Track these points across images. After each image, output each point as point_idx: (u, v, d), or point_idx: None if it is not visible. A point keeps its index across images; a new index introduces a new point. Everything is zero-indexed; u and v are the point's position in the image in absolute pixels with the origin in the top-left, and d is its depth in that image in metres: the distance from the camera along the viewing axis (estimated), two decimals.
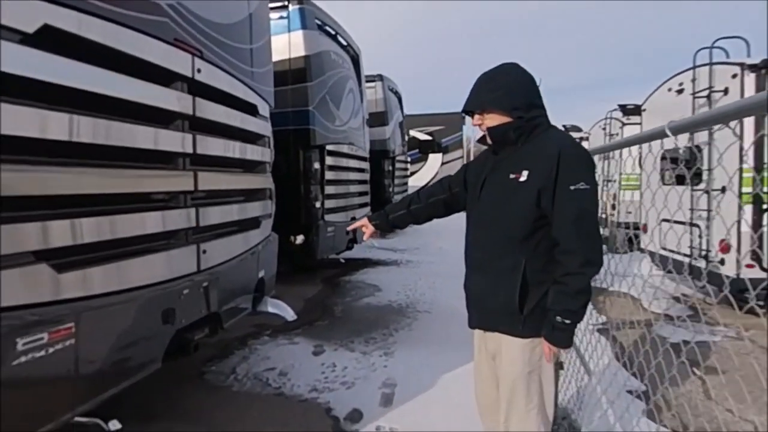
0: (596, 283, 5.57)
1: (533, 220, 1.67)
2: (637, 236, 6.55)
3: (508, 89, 1.72)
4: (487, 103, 1.75)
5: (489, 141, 1.82)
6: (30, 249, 1.63)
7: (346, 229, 2.42)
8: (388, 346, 4.07)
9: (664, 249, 5.72)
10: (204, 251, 2.61)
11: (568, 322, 1.62)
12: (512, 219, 1.70)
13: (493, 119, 1.75)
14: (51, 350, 1.66)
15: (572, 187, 1.60)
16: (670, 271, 5.49)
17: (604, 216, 9.23)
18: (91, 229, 1.89)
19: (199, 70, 2.52)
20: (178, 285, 2.40)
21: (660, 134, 1.39)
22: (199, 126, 2.59)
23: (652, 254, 6.15)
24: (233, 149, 2.97)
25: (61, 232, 1.75)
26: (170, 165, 2.41)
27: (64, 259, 1.76)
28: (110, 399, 1.99)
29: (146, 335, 2.19)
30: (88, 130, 1.86)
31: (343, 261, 7.69)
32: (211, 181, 2.71)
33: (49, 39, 1.68)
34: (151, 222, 2.23)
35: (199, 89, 2.55)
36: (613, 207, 9.11)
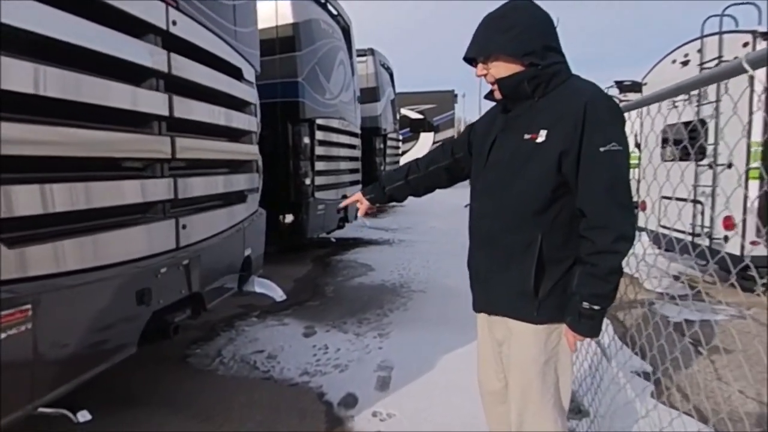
0: None
1: (552, 189, 1.42)
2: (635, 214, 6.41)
3: (519, 30, 1.42)
4: (495, 48, 1.45)
5: (498, 95, 1.53)
6: None
7: (337, 207, 2.11)
8: (383, 326, 3.89)
9: (664, 227, 5.59)
10: (184, 226, 2.38)
11: (597, 308, 1.39)
12: (528, 187, 1.44)
13: (501, 68, 1.46)
14: (2, 336, 1.43)
15: (602, 149, 1.34)
16: (669, 250, 5.37)
17: None
18: (51, 198, 1.65)
19: (174, 22, 2.25)
20: (155, 263, 2.18)
21: (738, 69, 1.16)
22: (177, 87, 2.33)
23: (650, 232, 6.03)
24: (216, 115, 2.71)
25: (13, 201, 1.51)
26: (144, 128, 2.16)
27: (18, 232, 1.53)
28: (84, 383, 1.78)
29: (118, 318, 1.97)
30: (43, 81, 1.61)
31: (333, 240, 7.49)
32: (190, 148, 2.46)
33: None
34: (121, 192, 1.99)
35: (175, 45, 2.28)
36: None
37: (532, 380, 1.54)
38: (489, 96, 1.60)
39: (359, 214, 1.98)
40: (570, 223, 1.46)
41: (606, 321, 3.62)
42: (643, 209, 6.42)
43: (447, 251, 7.10)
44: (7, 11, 1.47)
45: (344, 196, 6.93)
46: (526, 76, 1.43)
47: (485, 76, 1.52)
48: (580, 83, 1.48)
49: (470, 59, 1.55)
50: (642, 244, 5.52)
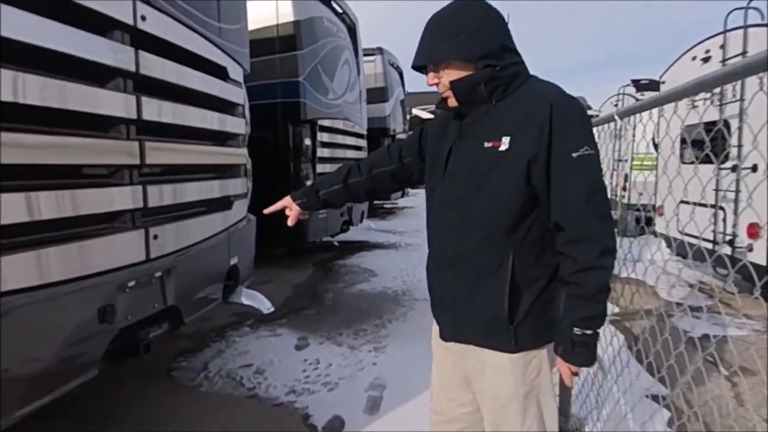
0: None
1: (522, 203, 1.26)
2: (650, 219, 6.14)
3: (471, 31, 1.26)
4: (446, 53, 1.29)
5: (453, 103, 1.35)
6: None
7: (263, 211, 1.85)
8: (380, 339, 3.70)
9: (682, 233, 5.30)
10: (155, 236, 2.22)
11: (590, 332, 1.23)
12: (495, 202, 1.27)
13: (454, 75, 1.30)
14: None
15: (575, 155, 1.20)
16: (686, 257, 5.09)
17: (614, 197, 8.80)
18: (2, 209, 1.49)
19: (143, 18, 2.08)
20: (120, 276, 2.02)
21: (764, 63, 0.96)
22: (149, 87, 2.17)
23: (667, 239, 5.75)
24: (195, 117, 2.55)
25: None
26: (109, 133, 2.01)
27: None
28: (43, 407, 1.64)
29: (76, 338, 1.81)
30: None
31: (337, 244, 7.32)
32: (163, 154, 2.29)
33: None
34: (82, 201, 1.83)
35: (145, 42, 2.12)
36: (624, 188, 8.66)
37: (511, 416, 1.36)
38: (441, 104, 1.40)
39: (289, 223, 1.72)
40: (542, 239, 1.30)
41: (612, 331, 3.40)
42: (661, 215, 6.13)
43: None
44: None
45: None
46: (482, 78, 1.27)
47: (437, 84, 1.35)
48: (541, 84, 1.33)
49: (420, 67, 1.39)
50: (662, 252, 5.25)
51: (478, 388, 1.43)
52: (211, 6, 2.71)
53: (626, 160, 8.70)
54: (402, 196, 11.77)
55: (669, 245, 5.85)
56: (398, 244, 7.89)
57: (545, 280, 1.31)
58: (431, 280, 1.49)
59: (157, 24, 2.18)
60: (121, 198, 2.04)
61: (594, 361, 1.29)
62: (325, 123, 5.92)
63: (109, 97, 1.96)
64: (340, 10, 6.79)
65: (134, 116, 2.07)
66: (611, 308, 4.44)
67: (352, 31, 7.23)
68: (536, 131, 1.21)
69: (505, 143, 1.25)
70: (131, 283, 2.08)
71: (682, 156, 5.38)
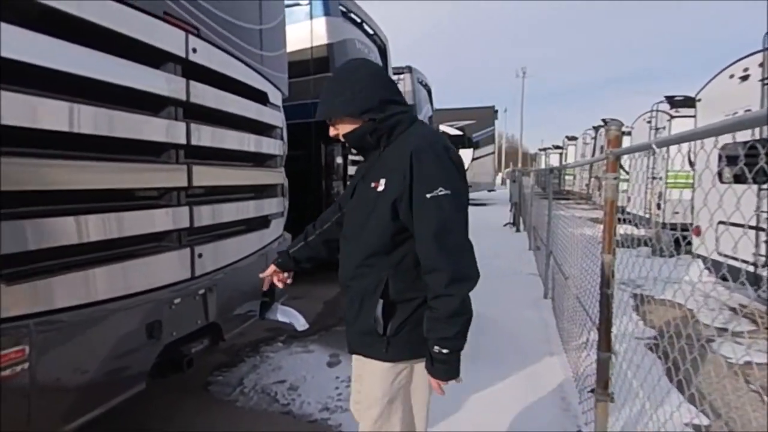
0: (640, 290, 5.01)
1: (392, 235, 1.47)
2: (685, 238, 5.97)
3: (354, 91, 1.48)
4: (334, 111, 1.52)
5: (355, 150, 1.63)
6: None
7: (262, 290, 2.03)
8: None
9: (721, 254, 5.14)
10: (200, 255, 2.32)
11: (446, 351, 1.41)
12: (372, 233, 1.49)
13: (346, 127, 1.53)
14: None
15: (429, 195, 1.38)
16: (726, 279, 4.92)
17: (648, 215, 8.59)
18: (55, 232, 1.61)
19: (194, 50, 2.22)
20: (168, 294, 2.12)
21: None
22: (196, 114, 2.29)
23: (705, 260, 5.58)
24: (237, 141, 2.67)
25: (18, 235, 1.48)
26: (160, 158, 2.13)
27: (18, 267, 1.49)
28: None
29: (125, 353, 1.91)
30: (53, 116, 1.58)
31: None
32: (208, 176, 2.41)
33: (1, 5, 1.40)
34: (132, 223, 1.95)
35: (195, 72, 2.25)
36: (659, 206, 8.46)
37: (376, 418, 1.56)
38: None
39: (279, 286, 1.92)
40: (417, 266, 1.48)
41: (653, 357, 3.32)
42: (697, 234, 5.96)
43: (483, 273, 6.77)
44: (25, 49, 1.45)
45: None
46: (366, 130, 1.50)
47: (337, 135, 1.57)
48: (416, 130, 1.52)
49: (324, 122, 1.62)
50: (700, 273, 5.08)
51: (357, 377, 1.69)
52: (254, 35, 2.85)
53: (660, 178, 8.52)
54: None
55: (708, 267, 5.67)
56: None
57: (421, 300, 1.48)
58: (345, 291, 1.68)
59: (206, 55, 2.31)
60: (170, 218, 2.15)
61: (456, 376, 1.47)
62: None
63: (161, 124, 2.08)
64: (371, 32, 6.96)
65: (183, 141, 2.19)
66: (648, 332, 4.35)
67: (383, 51, 7.39)
68: (401, 175, 1.41)
69: (382, 184, 1.47)
70: (177, 300, 2.18)
71: (720, 175, 5.25)
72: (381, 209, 1.45)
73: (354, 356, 1.69)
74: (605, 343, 2.26)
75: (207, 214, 2.41)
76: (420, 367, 1.54)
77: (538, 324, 4.60)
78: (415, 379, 1.56)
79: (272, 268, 1.88)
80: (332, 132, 1.58)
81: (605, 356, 2.27)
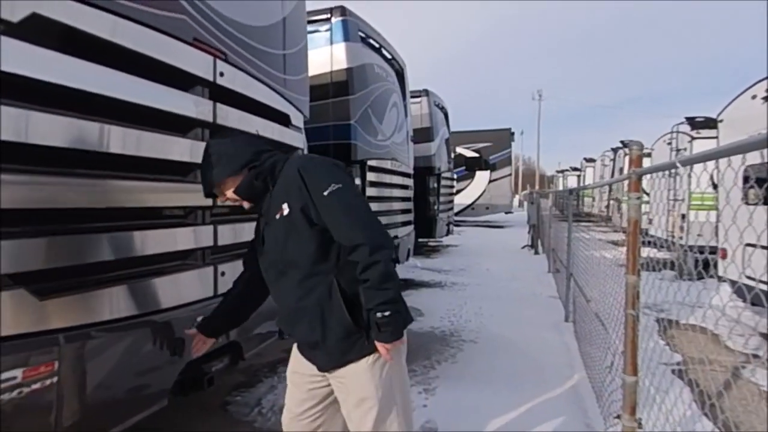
0: (665, 315, 4.88)
1: (318, 242, 1.61)
2: (711, 261, 5.82)
3: (228, 154, 1.68)
4: (217, 176, 1.69)
5: (247, 205, 1.76)
6: (7, 271, 1.40)
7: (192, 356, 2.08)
8: (429, 380, 3.66)
9: (749, 278, 5.00)
10: (222, 273, 2.36)
11: (388, 313, 1.53)
12: (297, 252, 1.63)
13: (232, 185, 1.70)
14: (25, 392, 1.41)
15: (326, 193, 1.56)
16: (756, 304, 4.76)
17: (671, 238, 8.42)
18: (86, 249, 1.66)
19: (221, 74, 2.30)
20: (191, 311, 2.15)
21: None
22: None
23: (732, 283, 5.43)
24: None
25: (49, 251, 1.53)
26: (187, 177, 2.19)
27: (49, 283, 1.53)
28: None
29: (149, 369, 1.93)
30: (85, 136, 1.65)
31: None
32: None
33: (39, 31, 1.48)
34: (159, 241, 1.99)
35: (222, 95, 2.33)
36: (682, 229, 8.29)
37: (376, 418, 1.63)
38: (246, 211, 1.83)
39: (196, 352, 1.98)
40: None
41: (681, 384, 3.21)
42: (723, 257, 5.81)
43: (502, 297, 6.76)
44: (68, 74, 1.53)
45: (396, 237, 6.89)
46: (251, 177, 1.67)
47: (227, 199, 1.74)
48: (293, 159, 1.71)
49: (210, 194, 1.78)
50: (728, 297, 4.94)
51: (341, 400, 1.71)
52: (278, 60, 2.94)
53: (682, 200, 8.37)
54: (447, 234, 11.74)
55: (735, 291, 5.51)
56: (444, 283, 7.82)
57: None
58: (293, 335, 1.77)
59: (232, 79, 2.39)
60: (195, 237, 2.20)
61: (400, 336, 1.58)
62: (374, 163, 6.09)
63: (188, 145, 2.15)
64: (389, 57, 7.09)
65: None
66: (675, 357, 4.21)
67: (400, 75, 7.51)
68: (297, 190, 1.59)
69: (285, 208, 1.62)
70: (200, 318, 2.20)
71: (746, 196, 5.15)
72: (296, 226, 1.60)
73: (314, 380, 1.74)
74: (631, 367, 2.20)
75: (230, 233, 2.45)
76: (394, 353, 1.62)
77: (559, 347, 4.51)
78: (393, 365, 1.65)
79: (193, 331, 1.96)
80: (221, 199, 1.77)
81: (631, 380, 2.21)
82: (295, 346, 1.86)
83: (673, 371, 3.83)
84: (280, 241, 1.65)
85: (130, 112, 1.85)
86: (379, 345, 1.57)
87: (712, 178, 7.22)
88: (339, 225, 1.56)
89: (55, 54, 1.52)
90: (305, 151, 3.46)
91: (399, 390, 1.69)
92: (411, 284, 7.70)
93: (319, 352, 1.68)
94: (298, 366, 1.82)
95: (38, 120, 1.47)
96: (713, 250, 6.03)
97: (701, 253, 2.78)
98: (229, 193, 1.72)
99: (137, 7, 1.83)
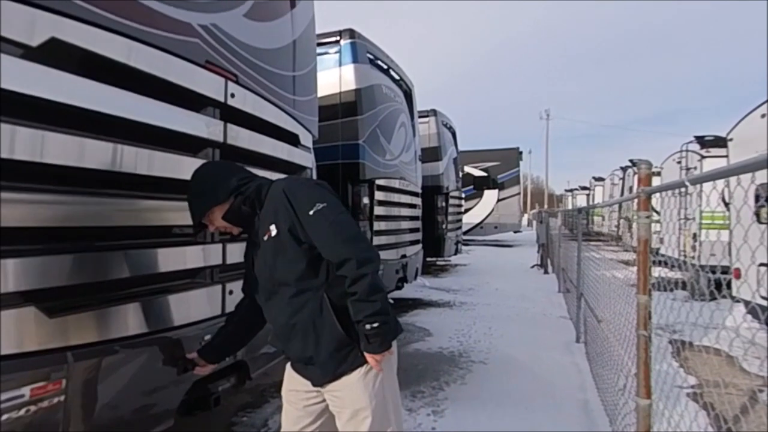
0: (678, 336, 4.80)
1: (308, 259, 1.65)
2: (723, 281, 5.72)
3: (213, 184, 1.74)
4: (204, 208, 1.74)
5: (235, 231, 1.82)
6: (17, 288, 1.42)
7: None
8: (438, 402, 3.60)
9: (764, 298, 4.91)
10: (230, 292, 2.36)
11: (376, 325, 1.57)
12: (286, 271, 1.67)
13: (221, 213, 1.74)
14: (33, 410, 1.41)
15: (312, 212, 1.61)
16: None
17: (683, 258, 8.31)
18: (96, 267, 1.68)
19: (232, 95, 2.34)
20: (199, 330, 2.15)
21: None
22: (232, 154, 2.39)
23: (746, 304, 5.33)
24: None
25: (60, 270, 1.54)
26: None
27: (58, 300, 1.54)
28: None
29: (154, 390, 1.92)
30: (99, 156, 1.68)
31: (391, 302, 7.29)
32: None
33: (58, 55, 1.53)
34: (169, 259, 2.01)
35: (232, 115, 2.37)
36: (694, 248, 8.18)
37: (371, 421, 1.65)
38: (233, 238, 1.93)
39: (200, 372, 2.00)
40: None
41: (696, 408, 3.13)
42: (737, 277, 5.72)
43: (511, 316, 6.68)
44: (84, 96, 1.57)
45: (404, 256, 6.87)
46: (240, 202, 1.73)
47: (216, 228, 1.81)
48: (278, 182, 1.75)
49: (200, 225, 1.82)
50: (735, 318, 4.87)
51: (337, 414, 1.73)
52: (288, 81, 2.99)
53: (693, 219, 8.28)
54: (455, 253, 11.68)
55: (750, 311, 5.40)
56: (453, 303, 7.76)
57: None
58: (287, 354, 1.81)
59: (242, 100, 2.43)
60: (204, 255, 2.21)
61: (389, 347, 1.63)
62: (382, 182, 6.12)
63: (199, 165, 2.17)
64: (397, 77, 7.19)
65: None
66: (689, 380, 4.12)
67: (408, 95, 7.60)
68: (284, 210, 1.64)
69: (273, 230, 1.67)
70: (207, 337, 2.19)
71: (758, 215, 5.09)
72: (285, 246, 1.65)
73: (309, 396, 1.78)
74: (645, 389, 2.15)
75: (238, 251, 2.46)
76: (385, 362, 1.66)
77: (570, 369, 4.42)
78: (383, 375, 1.69)
79: (194, 355, 1.97)
80: (211, 228, 1.82)
81: (645, 403, 2.16)
82: (288, 364, 1.88)
83: (687, 394, 3.74)
84: (270, 261, 1.70)
85: (143, 132, 1.89)
86: (368, 356, 1.62)
87: (722, 196, 7.16)
88: (326, 242, 1.61)
89: (71, 76, 1.57)
90: (314, 170, 3.49)
91: (392, 400, 1.74)
92: (419, 304, 7.65)
93: (313, 367, 1.72)
94: (293, 384, 1.84)
95: (53, 140, 1.51)
96: (725, 270, 5.95)
97: (713, 272, 2.74)
98: (218, 221, 1.77)
99: (152, 32, 1.88)
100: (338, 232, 1.61)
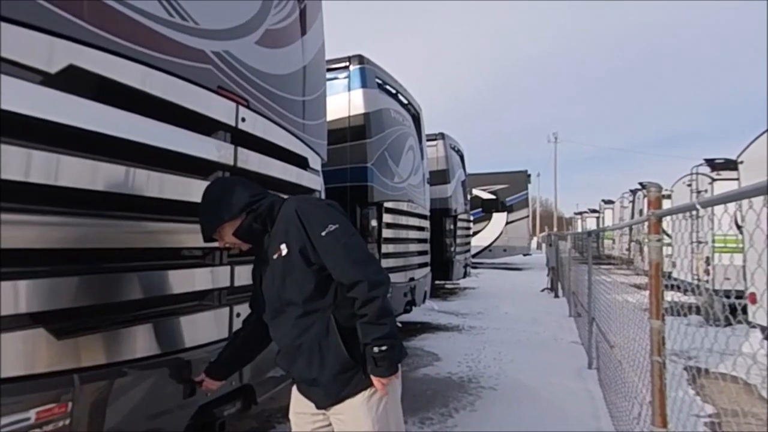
0: (693, 362, 4.69)
1: (316, 280, 1.65)
2: (739, 306, 5.61)
3: (226, 199, 1.74)
4: (216, 222, 1.75)
5: (245, 247, 1.82)
6: (27, 310, 1.43)
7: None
8: (447, 429, 3.52)
9: None
10: (238, 314, 2.35)
11: (384, 348, 1.57)
12: (294, 290, 1.67)
13: (232, 229, 1.75)
14: None
15: (324, 233, 1.62)
16: None
17: (696, 282, 8.17)
18: (105, 289, 1.68)
19: (243, 119, 2.38)
20: (206, 353, 2.13)
21: None
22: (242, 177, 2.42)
23: (763, 329, 5.22)
24: None
25: (68, 292, 1.55)
26: None
27: (66, 322, 1.55)
28: None
29: (160, 413, 1.90)
30: (111, 179, 1.71)
31: (399, 325, 7.23)
32: None
33: (76, 81, 1.57)
34: (177, 281, 2.01)
35: (243, 139, 2.41)
36: (707, 272, 8.04)
37: None
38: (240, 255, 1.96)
39: (208, 386, 1.99)
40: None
41: None
42: (753, 302, 5.60)
43: (522, 341, 6.57)
44: (100, 121, 1.61)
45: (412, 279, 6.83)
46: (251, 219, 1.74)
47: (226, 243, 1.80)
48: (290, 200, 1.76)
49: (211, 239, 1.82)
50: (751, 343, 4.74)
51: None
52: (298, 105, 3.04)
53: (706, 242, 8.17)
54: (464, 276, 11.59)
55: (767, 337, 5.27)
56: (461, 327, 7.66)
57: None
58: (292, 373, 1.80)
59: (253, 124, 2.47)
60: (213, 277, 2.21)
61: (396, 371, 1.62)
62: (390, 205, 6.13)
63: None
64: (405, 101, 7.28)
65: None
66: (707, 408, 4.00)
67: (417, 119, 7.68)
68: (296, 230, 1.65)
69: (283, 249, 1.67)
70: (213, 359, 2.18)
71: None
72: (294, 266, 1.65)
73: (315, 419, 1.76)
74: (660, 418, 2.09)
75: (246, 274, 2.46)
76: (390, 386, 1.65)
77: (583, 396, 4.32)
78: (388, 399, 1.67)
79: (202, 375, 1.97)
80: (221, 243, 1.82)
81: None
82: (294, 387, 1.87)
83: (705, 423, 3.62)
84: (278, 280, 1.70)
85: (155, 155, 1.92)
86: (375, 379, 1.61)
87: (735, 219, 7.07)
88: (337, 264, 1.62)
89: (87, 102, 1.60)
90: (323, 193, 3.51)
91: (395, 425, 1.72)
92: (428, 327, 7.56)
93: (317, 389, 1.71)
94: (299, 406, 1.82)
95: (67, 163, 1.54)
96: (740, 295, 5.83)
97: (728, 297, 2.69)
98: (229, 237, 1.78)
99: (167, 59, 1.93)
100: (350, 254, 1.61)
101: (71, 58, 1.53)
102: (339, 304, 1.66)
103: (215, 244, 2.21)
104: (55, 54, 1.49)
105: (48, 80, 1.48)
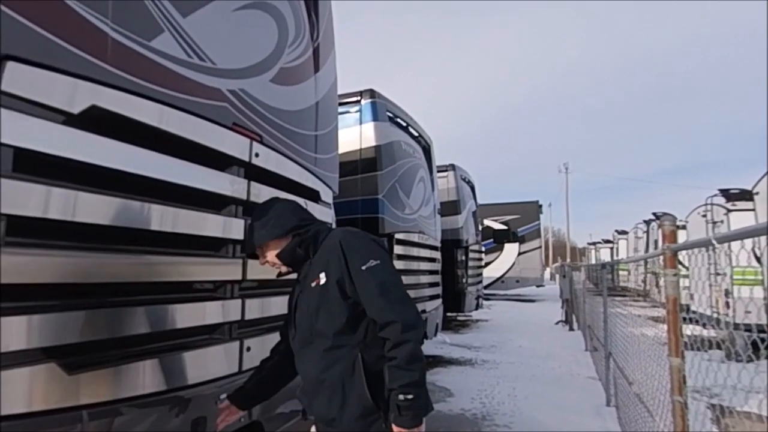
0: (717, 400, 4.52)
1: (348, 315, 1.63)
2: (763, 341, 5.41)
3: (275, 219, 1.76)
4: (261, 239, 1.78)
5: (284, 269, 1.83)
6: (40, 345, 1.43)
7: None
8: None
9: None
10: (248, 348, 2.33)
11: (411, 397, 1.50)
12: (327, 323, 1.65)
13: (276, 249, 1.77)
14: None
15: (363, 267, 1.61)
16: None
17: (716, 315, 7.95)
18: (116, 323, 1.69)
19: (256, 155, 2.43)
20: (215, 388, 2.11)
21: None
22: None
23: None
24: None
25: (82, 326, 1.56)
26: (219, 252, 2.25)
27: (77, 356, 1.55)
28: None
29: None
30: (126, 214, 1.74)
31: None
32: (262, 269, 2.49)
33: (98, 121, 1.62)
34: (188, 315, 2.01)
35: (256, 174, 2.45)
36: (727, 305, 7.84)
37: None
38: (279, 276, 1.90)
39: (225, 421, 1.94)
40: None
41: None
42: None
43: (537, 376, 6.40)
44: (118, 158, 1.66)
45: (423, 311, 6.75)
46: (295, 244, 1.76)
47: (267, 262, 1.82)
48: (336, 231, 1.81)
49: (251, 254, 1.87)
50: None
51: None
52: (310, 140, 3.10)
53: (725, 274, 8.00)
54: (476, 308, 11.42)
55: None
56: (474, 361, 7.50)
57: None
58: (309, 404, 1.75)
59: (266, 159, 2.52)
60: (224, 311, 2.21)
61: (420, 423, 1.53)
62: (401, 236, 6.14)
63: (222, 221, 2.23)
64: (416, 134, 7.38)
65: (241, 237, 2.31)
66: None
67: (427, 151, 7.76)
68: (336, 260, 1.64)
69: (322, 278, 1.67)
70: (223, 396, 2.15)
71: None
72: (330, 296, 1.64)
73: None
74: None
75: (257, 307, 2.46)
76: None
77: None
78: None
79: (225, 404, 1.95)
80: (262, 260, 1.84)
81: None
82: (313, 426, 1.81)
83: None
84: (313, 309, 1.68)
85: (170, 191, 1.95)
86: (396, 429, 1.53)
87: (754, 251, 6.93)
88: (374, 301, 1.59)
89: (107, 140, 1.65)
90: (334, 225, 3.53)
91: None
92: (440, 361, 7.41)
93: (334, 428, 1.65)
94: None
95: (85, 200, 1.57)
96: (762, 329, 5.65)
97: (749, 331, 2.61)
98: (270, 256, 1.79)
99: (185, 98, 1.99)
100: (387, 292, 1.58)
101: (93, 98, 1.59)
102: (369, 343, 1.62)
103: (233, 276, 2.25)
104: (78, 95, 1.55)
105: (70, 120, 1.53)
